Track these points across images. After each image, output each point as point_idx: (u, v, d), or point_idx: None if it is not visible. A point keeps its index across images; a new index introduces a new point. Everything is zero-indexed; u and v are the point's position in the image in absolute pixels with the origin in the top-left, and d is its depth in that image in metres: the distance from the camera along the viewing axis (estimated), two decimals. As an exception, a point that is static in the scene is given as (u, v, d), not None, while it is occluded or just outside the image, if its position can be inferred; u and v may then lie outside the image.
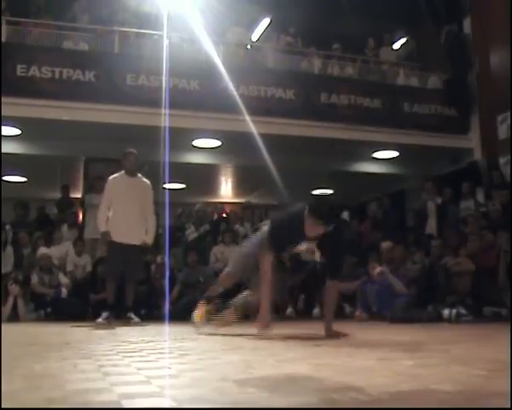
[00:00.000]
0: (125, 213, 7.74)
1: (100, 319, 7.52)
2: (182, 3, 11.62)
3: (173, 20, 11.45)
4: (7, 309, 8.60)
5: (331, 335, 4.65)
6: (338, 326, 4.78)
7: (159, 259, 9.84)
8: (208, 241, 10.96)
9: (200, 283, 9.45)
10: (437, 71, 13.70)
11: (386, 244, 9.31)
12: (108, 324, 7.27)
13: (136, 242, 7.77)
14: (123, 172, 7.99)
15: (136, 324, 7.48)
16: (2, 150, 10.47)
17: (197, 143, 12.45)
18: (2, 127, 10.51)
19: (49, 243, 10.26)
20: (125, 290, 7.89)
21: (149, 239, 7.99)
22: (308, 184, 14.07)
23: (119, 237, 7.71)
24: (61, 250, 10.18)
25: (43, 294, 9.13)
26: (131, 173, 7.97)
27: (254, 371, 2.52)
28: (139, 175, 8.05)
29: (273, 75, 12.39)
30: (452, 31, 13.37)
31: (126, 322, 7.54)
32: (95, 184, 10.88)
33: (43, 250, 9.66)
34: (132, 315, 7.78)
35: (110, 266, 7.93)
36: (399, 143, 12.83)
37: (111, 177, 8.05)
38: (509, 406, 1.66)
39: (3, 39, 10.75)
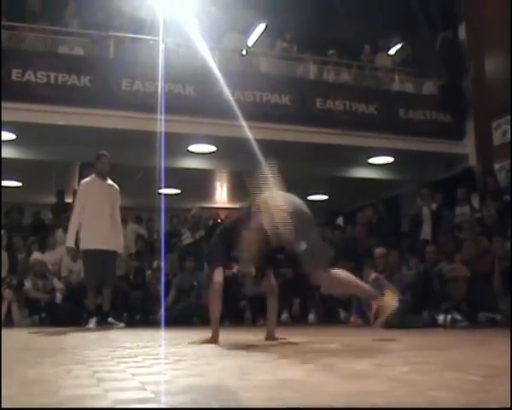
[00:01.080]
0: (98, 217, 7.75)
1: (90, 326, 7.53)
2: (178, 9, 11.61)
3: (169, 25, 11.45)
4: (1, 314, 8.58)
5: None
6: (332, 332, 4.78)
7: (155, 264, 9.83)
8: (203, 246, 10.95)
9: (195, 288, 9.44)
10: (432, 77, 13.74)
11: (379, 250, 9.33)
12: (96, 329, 7.28)
13: (110, 247, 7.77)
14: (94, 175, 8.00)
15: (119, 328, 7.48)
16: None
17: (193, 148, 12.45)
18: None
19: (43, 248, 10.24)
20: (102, 295, 7.90)
21: (121, 248, 8.01)
22: (303, 190, 14.05)
23: (96, 244, 7.69)
24: (55, 255, 10.16)
25: (37, 299, 9.10)
26: (103, 176, 7.98)
27: (249, 376, 2.51)
28: (108, 179, 8.06)
29: (269, 81, 12.41)
30: (447, 37, 13.42)
31: (109, 327, 7.54)
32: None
33: (36, 255, 9.64)
34: (113, 320, 7.78)
35: (89, 274, 7.90)
36: (395, 148, 12.86)
37: (83, 181, 8.10)
38: (504, 406, 1.65)
39: (-1, 44, 10.75)
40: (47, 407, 1.69)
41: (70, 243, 7.86)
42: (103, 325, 7.70)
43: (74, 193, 12.38)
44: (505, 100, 11.68)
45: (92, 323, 7.56)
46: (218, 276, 4.69)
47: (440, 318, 7.93)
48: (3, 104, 9.94)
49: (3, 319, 8.53)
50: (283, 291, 9.69)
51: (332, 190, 15.45)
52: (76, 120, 10.78)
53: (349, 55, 13.87)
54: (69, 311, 8.97)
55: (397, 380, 2.38)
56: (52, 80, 10.87)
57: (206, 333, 4.82)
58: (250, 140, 10.82)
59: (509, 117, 11.96)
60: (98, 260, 7.69)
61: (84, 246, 7.79)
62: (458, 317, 7.79)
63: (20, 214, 11.80)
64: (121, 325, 7.77)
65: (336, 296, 8.05)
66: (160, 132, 9.41)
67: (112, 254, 7.84)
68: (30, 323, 8.88)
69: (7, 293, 8.77)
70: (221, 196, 17.09)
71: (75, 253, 8.03)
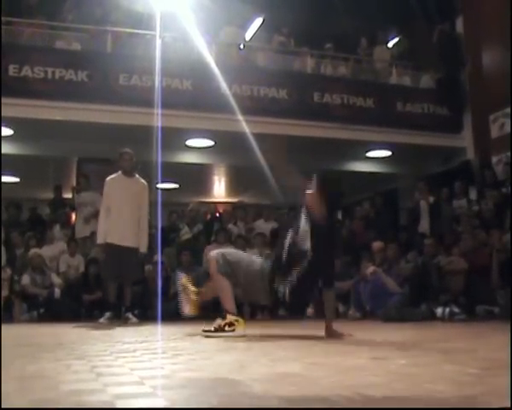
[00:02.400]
0: (122, 214, 7.77)
1: (102, 320, 7.56)
2: (174, 3, 11.59)
3: (166, 19, 11.43)
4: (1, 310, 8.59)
5: (332, 335, 4.65)
6: (334, 326, 4.79)
7: (155, 258, 9.83)
8: (201, 241, 10.96)
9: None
10: (429, 70, 13.72)
11: (376, 244, 9.35)
12: (110, 324, 7.29)
13: (132, 244, 7.79)
14: (120, 172, 8.01)
15: (133, 324, 7.49)
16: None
17: (190, 142, 12.44)
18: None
19: (41, 243, 10.24)
20: (122, 291, 7.93)
21: (143, 247, 8.01)
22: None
23: (115, 239, 7.73)
24: (53, 250, 10.16)
25: (35, 295, 9.10)
26: (128, 173, 7.99)
27: (247, 370, 2.52)
28: (136, 175, 8.07)
29: (266, 75, 12.38)
30: (445, 30, 13.40)
31: (124, 322, 7.56)
32: (82, 183, 10.95)
33: (34, 250, 9.64)
34: (130, 315, 7.80)
35: (108, 268, 7.97)
36: (392, 142, 12.85)
37: (108, 178, 8.07)
38: (504, 405, 1.66)
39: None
40: (47, 407, 1.69)
41: (100, 239, 7.92)
42: (120, 318, 7.74)
43: (73, 190, 12.43)
44: (503, 93, 11.67)
45: (105, 317, 7.58)
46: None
47: (438, 311, 7.96)
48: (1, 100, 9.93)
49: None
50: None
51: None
52: (73, 115, 10.76)
53: (346, 49, 13.84)
54: (68, 306, 8.98)
55: (395, 373, 2.39)
56: (49, 75, 10.84)
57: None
58: (248, 134, 10.84)
59: (505, 110, 11.96)
60: (116, 255, 7.71)
61: (103, 240, 7.84)
62: (456, 310, 7.81)
63: (18, 210, 11.79)
64: (135, 320, 7.78)
65: (335, 290, 8.05)
66: (158, 127, 9.41)
67: (132, 252, 7.85)
68: (28, 318, 8.88)
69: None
70: (219, 190, 17.10)
71: (102, 250, 8.06)
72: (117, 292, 7.97)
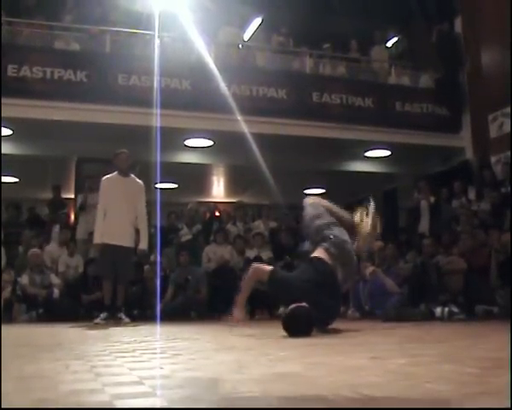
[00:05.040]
0: (118, 214, 7.78)
1: (98, 320, 7.54)
2: (173, 3, 11.60)
3: (165, 19, 11.43)
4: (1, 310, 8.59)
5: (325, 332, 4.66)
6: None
7: (152, 257, 9.83)
8: (200, 241, 10.95)
9: (190, 282, 9.43)
10: (428, 70, 13.72)
11: (376, 244, 9.33)
12: (106, 324, 7.28)
13: (127, 243, 7.79)
14: (116, 172, 8.01)
15: (126, 324, 7.48)
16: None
17: (189, 142, 12.44)
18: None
19: (40, 243, 10.22)
20: (116, 291, 7.91)
21: (144, 245, 8.02)
22: (300, 184, 14.07)
23: (111, 239, 7.72)
24: (52, 251, 10.15)
25: (34, 295, 9.09)
26: (124, 173, 7.99)
27: (247, 370, 2.51)
28: (132, 175, 8.07)
29: (265, 75, 12.39)
30: (443, 30, 13.40)
31: (117, 322, 7.55)
32: (90, 184, 10.91)
33: (33, 250, 9.62)
34: (123, 316, 7.79)
35: (103, 267, 7.96)
36: (391, 141, 12.85)
37: (104, 177, 8.07)
38: (504, 405, 1.65)
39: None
40: (46, 407, 1.69)
41: (97, 240, 7.90)
42: (113, 319, 7.73)
43: (78, 190, 12.33)
44: (502, 92, 11.68)
45: (101, 317, 7.57)
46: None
47: (437, 310, 7.94)
48: (-1, 100, 9.93)
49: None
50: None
51: (329, 184, 15.44)
52: (72, 115, 10.76)
53: (345, 49, 13.85)
54: (67, 306, 8.97)
55: (394, 373, 2.39)
56: (48, 75, 10.84)
57: (204, 328, 4.84)
58: (246, 134, 10.84)
59: (504, 109, 11.97)
60: (112, 255, 7.71)
61: (100, 240, 7.83)
62: (455, 309, 7.80)
63: (17, 210, 11.78)
64: (127, 320, 7.77)
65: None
66: (157, 127, 9.41)
67: (128, 251, 7.85)
68: (27, 319, 8.87)
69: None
70: (218, 190, 17.10)
71: (99, 249, 8.04)
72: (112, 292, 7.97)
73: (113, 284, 7.91)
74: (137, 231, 8.05)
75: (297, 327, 4.31)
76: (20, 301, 9.05)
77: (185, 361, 2.94)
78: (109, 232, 7.75)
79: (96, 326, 7.02)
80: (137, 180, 8.09)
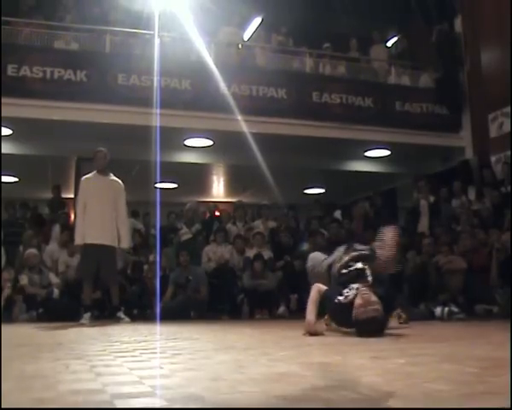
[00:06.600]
0: (98, 213, 7.74)
1: (83, 320, 7.50)
2: (173, 3, 11.59)
3: (165, 19, 11.42)
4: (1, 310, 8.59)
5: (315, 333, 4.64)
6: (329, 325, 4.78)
7: (151, 257, 9.82)
8: (200, 240, 10.93)
9: (190, 282, 9.43)
10: (428, 70, 13.73)
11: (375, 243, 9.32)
12: (90, 324, 7.25)
13: (109, 242, 7.76)
14: (95, 171, 7.98)
15: (126, 323, 7.47)
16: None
17: (189, 142, 12.43)
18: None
19: (39, 243, 10.21)
20: (109, 292, 7.92)
21: (126, 243, 8.00)
22: (300, 183, 14.07)
23: (92, 238, 7.69)
24: (52, 251, 10.14)
25: (34, 294, 9.08)
26: (102, 172, 7.95)
27: (246, 370, 2.51)
28: (111, 174, 8.03)
29: (265, 74, 12.39)
30: (443, 29, 13.40)
31: (116, 321, 7.54)
32: None
33: (30, 250, 9.61)
34: (122, 315, 7.78)
35: (84, 267, 7.94)
36: (391, 141, 12.85)
37: (83, 177, 8.06)
38: (504, 405, 1.65)
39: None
40: (46, 407, 1.69)
41: (78, 240, 7.88)
42: (112, 318, 7.72)
43: (76, 188, 12.35)
44: (501, 92, 11.68)
45: (86, 318, 7.54)
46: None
47: (437, 310, 7.95)
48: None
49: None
50: (281, 287, 9.81)
51: (329, 184, 15.45)
52: (72, 114, 10.76)
53: (345, 49, 13.85)
54: (66, 306, 8.96)
55: (393, 372, 2.39)
56: (48, 75, 10.84)
57: (204, 327, 4.84)
58: (246, 134, 10.84)
59: (504, 109, 11.97)
60: (94, 254, 7.69)
61: (81, 241, 7.80)
62: (455, 309, 7.81)
63: (16, 210, 11.77)
64: (127, 319, 7.76)
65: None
66: (156, 126, 9.41)
67: (110, 250, 7.83)
68: (27, 318, 8.86)
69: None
70: (218, 189, 17.09)
71: (83, 248, 8.02)
72: (105, 292, 7.95)
73: (103, 285, 7.92)
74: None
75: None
76: (19, 298, 9.02)
77: (185, 361, 2.94)
78: (90, 232, 7.72)
79: (85, 326, 7.01)
80: (116, 179, 8.04)
